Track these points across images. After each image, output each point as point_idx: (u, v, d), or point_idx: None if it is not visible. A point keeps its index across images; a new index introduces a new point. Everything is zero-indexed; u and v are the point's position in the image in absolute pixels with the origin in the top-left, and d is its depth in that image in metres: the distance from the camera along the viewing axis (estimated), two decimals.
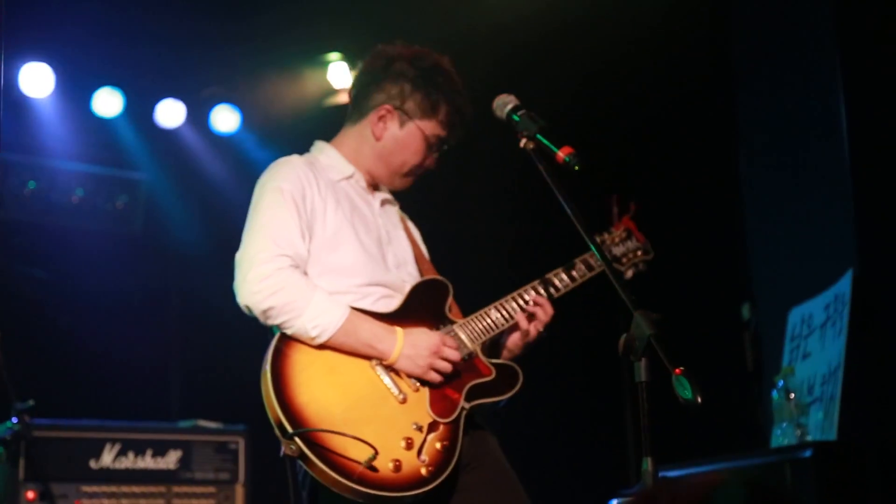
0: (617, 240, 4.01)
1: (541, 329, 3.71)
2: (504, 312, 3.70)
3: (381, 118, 3.78)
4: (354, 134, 3.83)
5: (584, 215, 3.18)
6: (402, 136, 3.77)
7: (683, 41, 6.60)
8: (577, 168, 3.26)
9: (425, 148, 3.78)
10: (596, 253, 3.32)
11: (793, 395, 5.28)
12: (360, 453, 3.29)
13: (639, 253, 4.03)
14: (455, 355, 3.52)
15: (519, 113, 3.41)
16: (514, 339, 3.74)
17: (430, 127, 3.76)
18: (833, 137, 5.43)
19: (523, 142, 3.36)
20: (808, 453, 4.80)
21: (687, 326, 6.60)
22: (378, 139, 3.78)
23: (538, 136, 3.34)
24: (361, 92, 3.85)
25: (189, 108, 7.17)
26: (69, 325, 6.78)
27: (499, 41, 6.38)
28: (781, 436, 5.28)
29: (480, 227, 7.33)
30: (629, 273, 3.99)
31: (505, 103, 3.44)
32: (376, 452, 3.28)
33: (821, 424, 5.18)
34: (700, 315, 6.66)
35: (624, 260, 4.00)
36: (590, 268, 3.84)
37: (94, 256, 6.99)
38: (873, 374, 5.13)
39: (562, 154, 3.28)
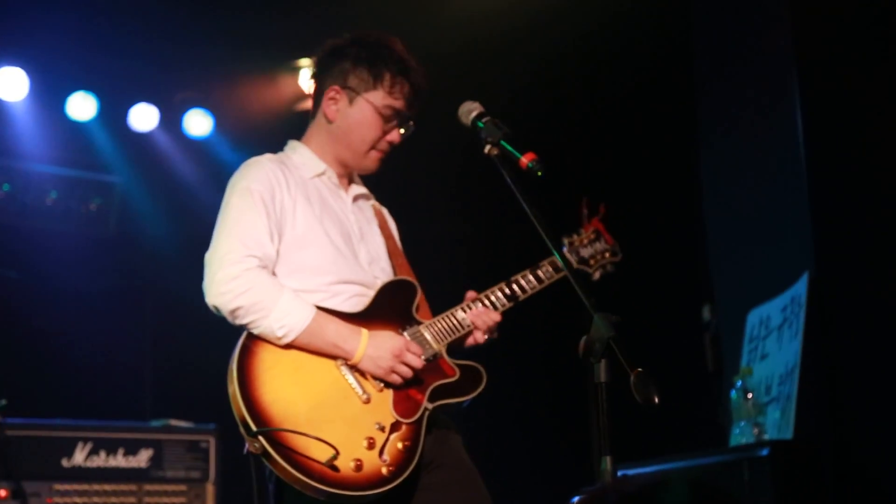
0: (585, 241, 4.06)
1: (486, 336, 3.77)
2: (487, 304, 3.76)
3: (330, 99, 3.80)
4: (315, 126, 3.87)
5: (549, 220, 3.21)
6: (352, 112, 3.78)
7: (645, 47, 6.70)
8: (539, 174, 3.30)
9: (379, 120, 3.78)
10: (558, 258, 3.36)
11: (751, 395, 5.38)
12: (321, 453, 3.34)
13: (607, 254, 4.08)
14: (417, 362, 3.56)
15: (483, 120, 3.44)
16: (469, 341, 3.79)
17: (379, 97, 3.77)
18: (789, 143, 5.51)
19: (487, 148, 3.39)
20: (765, 452, 4.90)
21: (649, 328, 6.72)
22: (332, 120, 3.81)
23: (502, 143, 3.37)
24: (315, 84, 3.91)
25: (162, 112, 7.22)
26: (43, 325, 6.82)
27: (465, 44, 6.45)
28: (740, 434, 5.38)
29: (452, 228, 7.37)
30: (597, 274, 4.04)
31: (470, 110, 3.48)
32: (337, 452, 3.33)
33: (778, 423, 5.28)
34: (662, 316, 6.75)
35: (591, 261, 4.05)
36: (557, 269, 3.87)
37: (68, 258, 7.03)
38: (828, 374, 5.23)
39: (525, 160, 3.31)
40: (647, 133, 6.94)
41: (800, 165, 5.43)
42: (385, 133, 3.82)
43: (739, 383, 5.44)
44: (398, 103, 3.80)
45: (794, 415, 5.14)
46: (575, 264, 4.01)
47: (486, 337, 3.77)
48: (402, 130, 3.84)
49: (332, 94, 3.81)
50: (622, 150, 7.08)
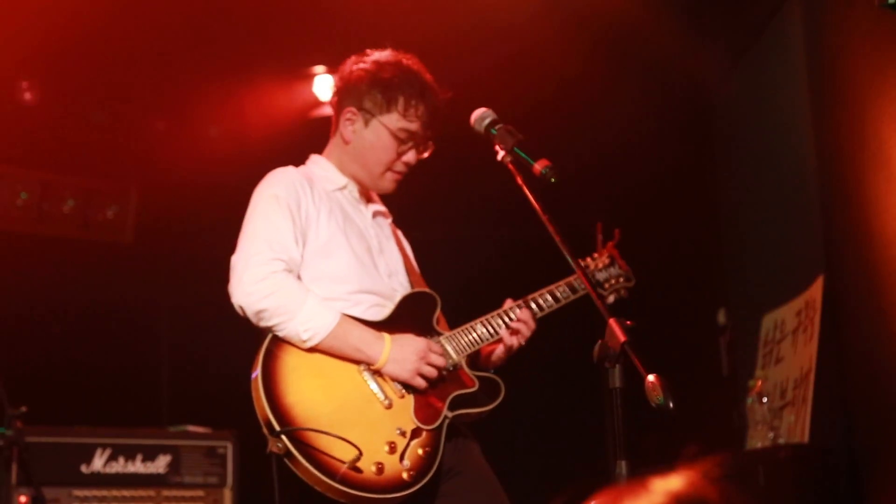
0: (600, 265, 4.09)
1: (523, 343, 3.81)
2: (490, 328, 3.78)
3: (347, 120, 3.86)
4: (334, 144, 3.92)
5: (568, 237, 3.23)
6: (368, 134, 3.83)
7: (661, 60, 6.70)
8: (553, 180, 3.32)
9: (395, 142, 3.82)
10: (582, 278, 3.33)
11: (765, 399, 5.40)
12: (344, 454, 3.38)
13: (621, 279, 4.11)
14: (441, 361, 3.61)
15: (497, 127, 3.47)
16: (497, 353, 3.83)
17: (393, 120, 3.81)
18: (802, 147, 5.54)
19: (501, 155, 3.42)
20: (780, 456, 4.93)
21: (665, 331, 6.73)
22: (348, 142, 3.86)
23: (515, 150, 3.40)
24: (335, 101, 3.95)
25: (182, 120, 7.25)
26: (61, 332, 6.88)
27: (478, 55, 6.47)
28: (755, 438, 5.40)
29: (469, 245, 7.40)
30: (610, 298, 4.07)
31: (483, 117, 3.51)
32: (360, 453, 3.38)
33: (793, 427, 5.30)
34: (678, 320, 6.76)
35: (606, 286, 4.08)
36: (573, 290, 3.91)
37: (85, 265, 7.08)
38: (843, 377, 5.24)
39: (538, 166, 3.33)
40: (663, 141, 6.95)
41: (812, 169, 5.45)
42: (400, 155, 3.86)
43: (754, 387, 5.45)
44: (413, 125, 3.83)
45: (809, 419, 5.15)
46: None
47: (518, 345, 3.79)
48: (418, 152, 3.88)
49: (348, 114, 3.86)
50: (636, 156, 7.08)
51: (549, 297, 3.91)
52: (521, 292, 3.94)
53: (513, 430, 6.65)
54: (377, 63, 3.87)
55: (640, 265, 4.18)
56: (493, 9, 6.31)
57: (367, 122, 3.83)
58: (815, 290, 5.34)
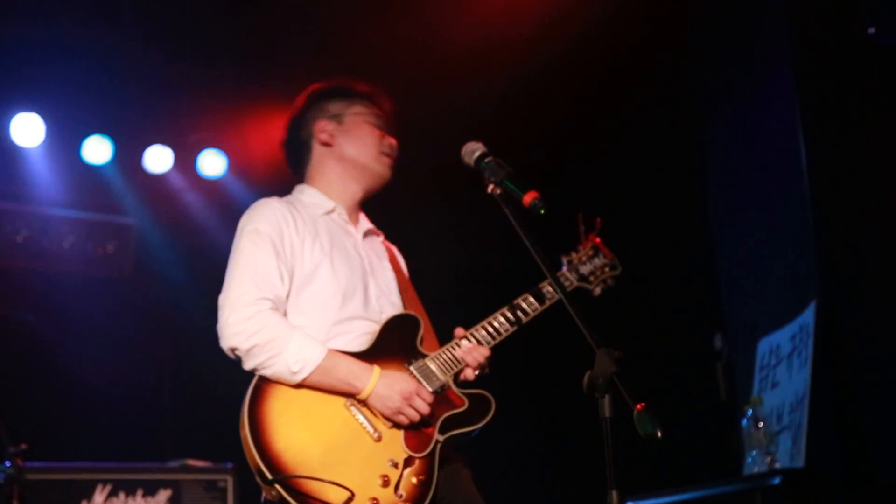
0: (584, 258, 4.07)
1: (476, 372, 3.76)
2: (473, 342, 3.77)
3: (321, 131, 3.95)
4: (315, 164, 3.97)
5: (547, 250, 3.29)
6: (345, 128, 3.94)
7: (650, 74, 6.75)
8: (542, 212, 3.35)
9: (372, 125, 3.96)
10: (559, 293, 3.37)
11: (761, 424, 5.40)
12: (337, 497, 3.39)
13: (607, 269, 4.09)
14: (425, 408, 3.59)
15: (486, 160, 3.51)
16: (466, 374, 3.79)
17: (360, 109, 3.97)
18: (794, 174, 5.58)
19: (490, 187, 3.45)
20: (777, 480, 4.93)
21: (662, 357, 6.76)
22: (330, 145, 3.94)
23: (505, 182, 3.44)
24: (300, 137, 4.00)
25: (176, 154, 7.31)
26: (61, 367, 6.90)
27: (467, 73, 6.52)
28: (752, 464, 5.40)
29: (454, 260, 7.41)
30: (598, 290, 4.05)
31: (472, 150, 3.55)
32: (352, 494, 3.39)
33: (790, 452, 5.30)
34: (674, 346, 6.78)
35: (592, 277, 4.06)
36: (541, 300, 3.89)
37: (85, 301, 7.12)
38: (838, 401, 5.26)
39: (528, 199, 3.37)
40: (655, 165, 6.99)
41: (805, 196, 5.49)
42: (382, 137, 3.97)
43: (750, 412, 5.46)
44: (378, 112, 3.99)
45: (805, 443, 5.16)
46: (575, 282, 4.02)
47: (476, 373, 3.77)
48: (388, 129, 4.00)
49: (320, 127, 3.95)
50: (631, 181, 7.12)
51: (533, 300, 3.86)
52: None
53: (508, 458, 6.66)
54: (325, 84, 4.04)
55: (637, 292, 4.18)
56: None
57: (340, 121, 3.95)
58: (809, 315, 5.37)
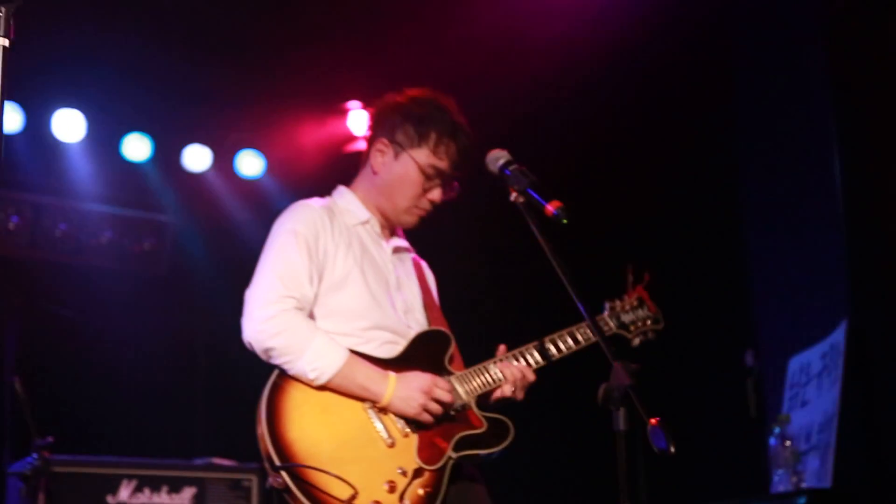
0: (628, 307, 4.05)
1: (519, 396, 3.76)
2: (502, 371, 3.75)
3: (378, 151, 3.90)
4: (363, 174, 3.96)
5: (574, 271, 3.24)
6: (397, 167, 3.86)
7: (687, 103, 6.72)
8: (564, 221, 3.33)
9: (421, 178, 3.85)
10: (589, 323, 3.34)
11: (788, 443, 5.35)
12: (341, 492, 3.41)
13: (648, 322, 4.06)
14: (447, 397, 3.61)
15: (511, 168, 3.49)
16: (496, 395, 3.78)
17: (423, 156, 3.84)
18: (828, 194, 5.54)
19: (514, 195, 3.43)
20: (802, 501, 4.89)
21: (694, 373, 6.72)
22: (376, 173, 3.89)
23: (528, 190, 3.41)
24: (369, 133, 4.00)
25: (215, 153, 7.37)
26: (95, 362, 6.95)
27: (510, 93, 6.52)
28: (779, 482, 5.35)
29: (485, 281, 7.39)
30: (636, 341, 4.03)
31: (497, 158, 3.53)
32: (356, 492, 3.41)
33: (817, 472, 5.25)
34: (706, 361, 6.73)
35: (632, 328, 4.04)
36: (576, 340, 3.87)
37: (121, 297, 7.17)
38: (867, 422, 5.20)
39: (551, 208, 3.35)
40: (690, 181, 6.95)
41: (838, 215, 5.44)
42: (426, 192, 3.88)
43: (777, 430, 5.41)
44: (442, 163, 3.86)
45: (832, 463, 5.10)
46: (615, 328, 4.00)
47: (513, 391, 3.75)
48: (444, 191, 3.89)
49: (380, 145, 3.90)
50: (666, 198, 7.08)
51: (570, 340, 3.86)
52: (545, 330, 3.90)
53: (523, 472, 6.62)
54: (413, 98, 3.93)
55: (670, 308, 4.15)
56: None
57: (397, 155, 3.87)
58: (840, 334, 5.31)
